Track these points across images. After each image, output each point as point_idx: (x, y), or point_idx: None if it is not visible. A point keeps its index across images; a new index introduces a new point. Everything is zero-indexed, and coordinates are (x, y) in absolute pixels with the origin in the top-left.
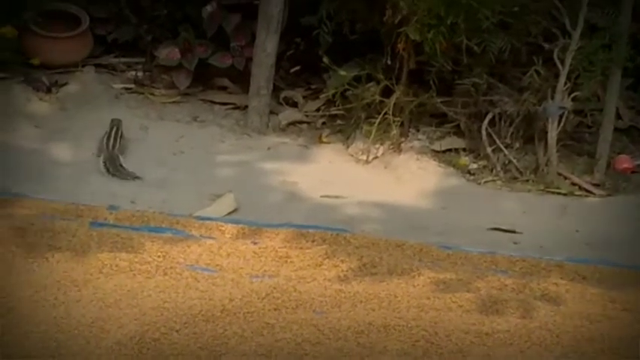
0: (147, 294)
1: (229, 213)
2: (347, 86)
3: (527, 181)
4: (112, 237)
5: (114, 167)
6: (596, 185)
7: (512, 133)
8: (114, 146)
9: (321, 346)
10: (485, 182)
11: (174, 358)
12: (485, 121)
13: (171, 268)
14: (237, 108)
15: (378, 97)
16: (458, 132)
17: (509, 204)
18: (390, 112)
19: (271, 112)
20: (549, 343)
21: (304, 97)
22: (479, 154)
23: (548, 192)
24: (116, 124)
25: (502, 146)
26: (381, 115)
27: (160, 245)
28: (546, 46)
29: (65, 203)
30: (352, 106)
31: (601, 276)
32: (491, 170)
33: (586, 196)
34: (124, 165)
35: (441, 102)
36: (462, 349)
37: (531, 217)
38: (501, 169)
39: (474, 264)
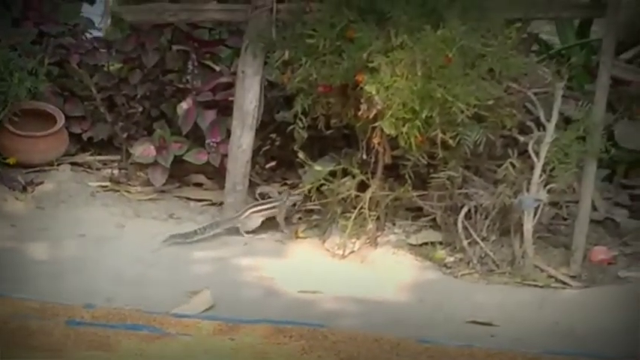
0: None
1: (206, 310)
2: (322, 181)
3: (504, 273)
4: (88, 335)
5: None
6: (573, 277)
7: (488, 226)
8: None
9: None
10: (462, 275)
11: None
12: (461, 215)
13: None
14: (213, 204)
15: (353, 192)
16: (434, 225)
17: (486, 297)
18: (366, 207)
19: None
20: None
21: (280, 193)
22: (455, 247)
23: (525, 284)
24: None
25: (478, 239)
26: (356, 210)
27: (136, 343)
28: (521, 138)
29: (41, 302)
30: (328, 200)
31: None
32: (468, 263)
33: (563, 288)
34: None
35: (417, 196)
36: None
37: (508, 309)
38: (478, 261)
39: (451, 357)
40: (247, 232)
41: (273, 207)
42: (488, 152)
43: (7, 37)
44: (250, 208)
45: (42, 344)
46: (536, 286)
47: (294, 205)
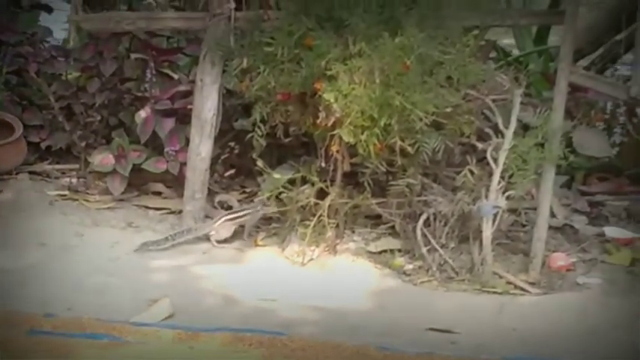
0: None
1: (166, 318)
2: (281, 189)
3: (463, 280)
4: (47, 345)
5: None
6: (532, 284)
7: (447, 233)
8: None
9: None
10: (422, 282)
11: None
12: (420, 222)
13: None
14: (172, 213)
15: (312, 200)
16: (393, 233)
17: (445, 304)
18: (325, 214)
19: (206, 217)
20: None
21: (239, 201)
22: (414, 255)
23: (484, 291)
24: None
25: (437, 246)
26: (316, 218)
27: (96, 351)
28: (480, 145)
29: (1, 311)
30: (287, 208)
31: None
32: (427, 270)
33: (522, 294)
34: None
35: (376, 203)
36: None
37: (468, 316)
38: (437, 269)
39: None
40: (218, 242)
41: (246, 215)
42: (447, 159)
43: None
44: (225, 216)
45: (2, 354)
46: (495, 292)
47: None
